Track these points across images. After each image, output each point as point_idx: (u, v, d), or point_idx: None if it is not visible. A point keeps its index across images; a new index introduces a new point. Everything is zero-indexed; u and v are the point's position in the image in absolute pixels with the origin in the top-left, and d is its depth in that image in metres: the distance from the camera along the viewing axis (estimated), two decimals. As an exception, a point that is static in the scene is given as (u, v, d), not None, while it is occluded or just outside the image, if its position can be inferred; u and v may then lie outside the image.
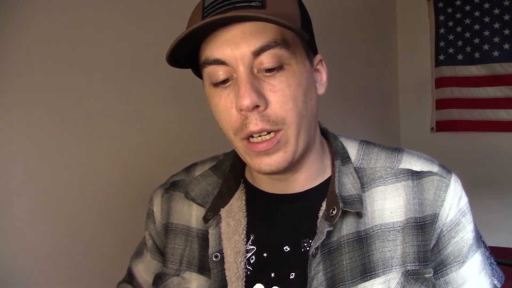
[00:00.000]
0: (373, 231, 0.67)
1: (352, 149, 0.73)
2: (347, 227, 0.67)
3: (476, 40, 2.60)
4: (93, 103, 1.22)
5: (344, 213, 0.67)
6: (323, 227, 0.65)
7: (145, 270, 0.82)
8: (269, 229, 0.71)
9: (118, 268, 0.91)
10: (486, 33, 2.56)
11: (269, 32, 0.59)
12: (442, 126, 2.77)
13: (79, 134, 1.19)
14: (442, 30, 2.71)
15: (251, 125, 0.60)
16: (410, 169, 0.70)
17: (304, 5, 0.67)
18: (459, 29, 2.65)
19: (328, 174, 0.72)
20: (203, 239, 0.74)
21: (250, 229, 0.71)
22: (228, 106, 0.62)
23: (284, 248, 0.69)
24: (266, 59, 0.59)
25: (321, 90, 0.69)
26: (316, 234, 0.66)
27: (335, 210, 0.65)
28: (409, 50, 2.85)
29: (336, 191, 0.67)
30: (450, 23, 2.68)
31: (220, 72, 0.61)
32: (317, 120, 0.70)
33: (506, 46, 2.51)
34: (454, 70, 2.69)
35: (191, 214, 0.76)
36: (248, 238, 0.71)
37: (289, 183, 0.70)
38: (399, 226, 0.67)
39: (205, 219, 0.72)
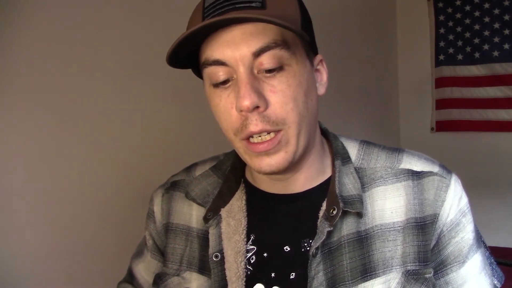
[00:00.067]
0: (374, 231, 0.67)
1: (353, 149, 0.73)
2: (348, 227, 0.67)
3: (476, 40, 2.60)
4: (93, 103, 1.22)
5: (345, 213, 0.67)
6: (323, 227, 0.66)
7: (145, 270, 0.82)
8: (270, 229, 0.71)
9: (118, 268, 0.91)
10: (486, 33, 2.56)
11: (269, 33, 0.59)
12: (442, 126, 2.77)
13: (79, 134, 1.19)
14: (442, 30, 2.71)
15: (251, 125, 0.60)
16: (410, 169, 0.70)
17: (304, 5, 0.67)
18: (459, 29, 2.65)
19: (328, 174, 0.72)
20: (204, 239, 0.74)
21: (250, 229, 0.71)
22: (228, 106, 0.62)
23: (285, 248, 0.69)
24: (266, 60, 0.59)
25: (321, 90, 0.69)
26: (316, 234, 0.66)
27: (336, 210, 0.65)
28: (409, 50, 2.85)
29: (337, 191, 0.67)
30: (450, 23, 2.68)
31: (220, 73, 0.61)
32: (317, 120, 0.70)
33: (506, 46, 2.51)
34: (454, 70, 2.69)
35: (191, 214, 0.76)
36: (248, 238, 0.71)
37: (289, 183, 0.71)
38: (399, 226, 0.67)
39: (206, 219, 0.72)
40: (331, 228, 0.65)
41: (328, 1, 2.20)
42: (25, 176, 1.10)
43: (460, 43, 2.66)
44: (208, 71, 0.62)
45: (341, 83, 2.24)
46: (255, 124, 0.60)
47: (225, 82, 0.62)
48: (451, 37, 2.69)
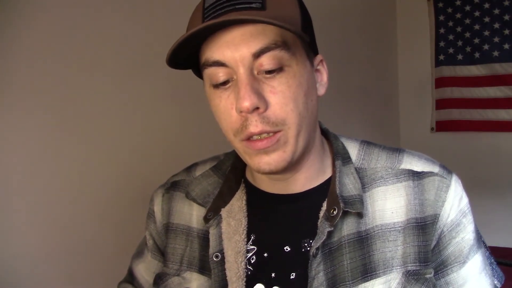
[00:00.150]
0: (374, 232, 0.67)
1: (353, 149, 0.73)
2: (348, 227, 0.67)
3: (476, 40, 2.60)
4: (93, 103, 1.22)
5: (345, 213, 0.67)
6: (323, 227, 0.65)
7: (145, 270, 0.82)
8: (270, 229, 0.71)
9: (118, 268, 0.92)
10: (486, 33, 2.56)
11: (269, 34, 0.59)
12: (442, 126, 2.77)
13: (79, 134, 1.19)
14: (442, 30, 2.71)
15: (251, 126, 0.60)
16: (411, 170, 0.70)
17: (304, 6, 0.67)
18: (459, 29, 2.65)
19: (328, 174, 0.72)
20: (204, 239, 0.74)
21: (250, 229, 0.71)
22: (228, 107, 0.62)
23: (285, 248, 0.69)
24: (266, 61, 0.59)
25: (321, 90, 0.69)
26: (316, 234, 0.66)
27: (336, 210, 0.65)
28: (409, 50, 2.85)
29: (337, 191, 0.67)
30: (450, 23, 2.68)
31: (220, 74, 0.61)
32: (317, 121, 0.70)
33: (506, 46, 2.51)
34: (454, 70, 2.69)
35: (191, 214, 0.76)
36: (248, 238, 0.71)
37: (290, 183, 0.71)
38: (399, 227, 0.67)
39: (206, 219, 0.72)
40: (332, 228, 0.65)
41: (328, 1, 2.20)
42: (25, 176, 1.10)
43: (460, 43, 2.66)
44: (208, 72, 0.62)
45: (341, 83, 2.24)
46: (255, 125, 0.60)
47: (225, 83, 0.62)
48: (451, 37, 2.69)
